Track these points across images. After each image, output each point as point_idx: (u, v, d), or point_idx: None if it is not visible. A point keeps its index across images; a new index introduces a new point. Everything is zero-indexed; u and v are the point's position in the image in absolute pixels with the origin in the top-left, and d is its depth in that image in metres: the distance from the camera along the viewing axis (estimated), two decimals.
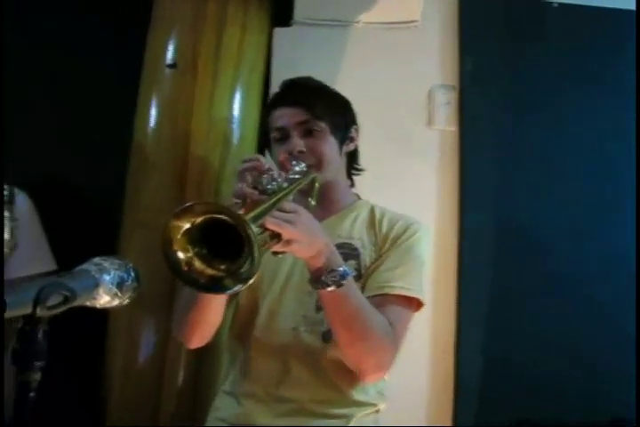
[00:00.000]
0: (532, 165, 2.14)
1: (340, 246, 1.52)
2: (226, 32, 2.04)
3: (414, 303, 1.50)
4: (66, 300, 0.85)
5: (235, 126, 2.04)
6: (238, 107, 2.05)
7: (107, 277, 0.94)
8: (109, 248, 1.96)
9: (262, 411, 1.50)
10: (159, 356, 1.92)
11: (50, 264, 1.92)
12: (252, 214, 1.10)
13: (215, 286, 1.07)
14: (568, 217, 2.11)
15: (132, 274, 0.99)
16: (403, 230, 1.56)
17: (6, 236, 1.70)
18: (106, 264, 0.96)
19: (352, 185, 1.74)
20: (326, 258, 1.30)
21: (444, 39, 2.12)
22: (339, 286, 1.29)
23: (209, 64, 2.01)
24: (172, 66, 2.00)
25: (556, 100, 2.13)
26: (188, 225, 1.04)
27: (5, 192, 1.72)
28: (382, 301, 1.45)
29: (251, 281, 1.03)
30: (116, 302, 0.97)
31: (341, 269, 1.30)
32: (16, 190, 1.88)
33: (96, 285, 0.92)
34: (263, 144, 1.72)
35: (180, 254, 1.05)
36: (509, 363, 2.02)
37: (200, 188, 1.97)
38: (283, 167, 1.53)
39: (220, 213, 1.03)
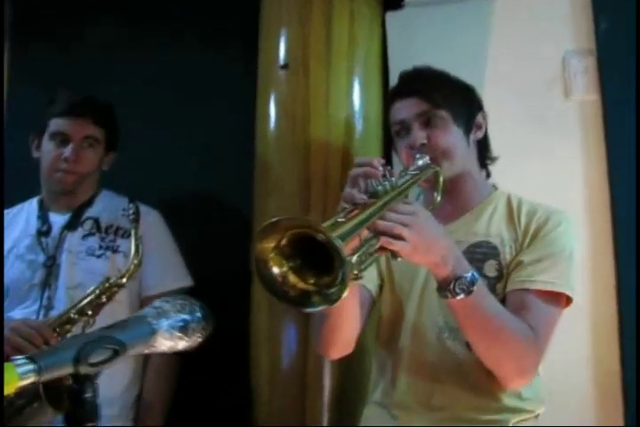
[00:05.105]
0: None
1: (477, 246, 1.48)
2: (334, 23, 1.95)
3: (561, 299, 1.41)
4: (115, 353, 0.81)
5: (356, 121, 1.96)
6: (358, 100, 1.97)
7: (165, 323, 0.89)
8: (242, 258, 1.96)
9: (415, 420, 1.47)
10: (302, 365, 1.89)
11: (185, 280, 1.97)
12: (342, 230, 1.03)
13: (303, 301, 1.04)
14: None
15: (198, 314, 0.94)
16: (544, 222, 1.46)
17: (132, 252, 1.75)
18: (166, 306, 0.92)
19: (488, 175, 1.65)
20: (452, 265, 1.23)
21: None
22: (468, 293, 1.23)
23: (321, 59, 1.94)
24: (285, 66, 1.95)
25: None
26: (275, 243, 1.01)
27: (131, 210, 1.77)
28: (523, 297, 1.39)
29: (337, 303, 1.00)
30: (182, 345, 0.92)
31: (469, 274, 1.23)
32: (148, 209, 1.93)
33: (152, 332, 0.87)
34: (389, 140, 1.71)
35: (275, 269, 1.03)
36: None
37: (325, 188, 1.91)
38: (406, 162, 1.50)
39: (305, 229, 1.00)
